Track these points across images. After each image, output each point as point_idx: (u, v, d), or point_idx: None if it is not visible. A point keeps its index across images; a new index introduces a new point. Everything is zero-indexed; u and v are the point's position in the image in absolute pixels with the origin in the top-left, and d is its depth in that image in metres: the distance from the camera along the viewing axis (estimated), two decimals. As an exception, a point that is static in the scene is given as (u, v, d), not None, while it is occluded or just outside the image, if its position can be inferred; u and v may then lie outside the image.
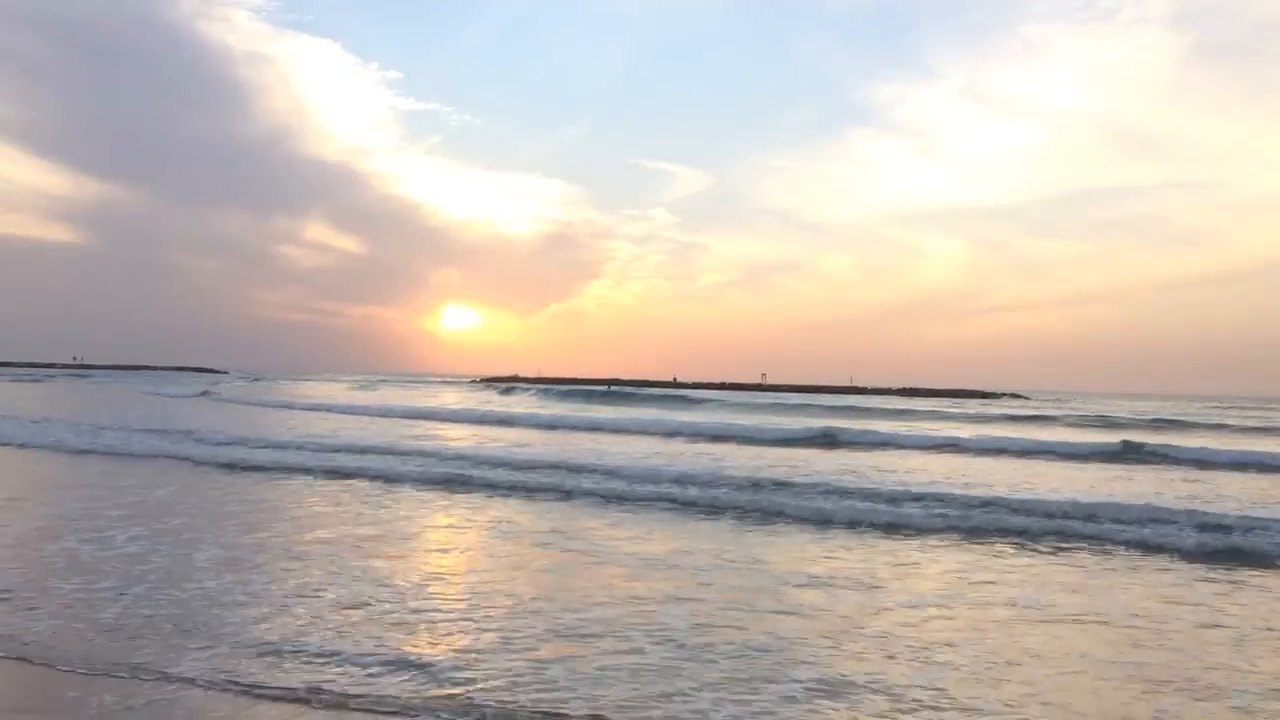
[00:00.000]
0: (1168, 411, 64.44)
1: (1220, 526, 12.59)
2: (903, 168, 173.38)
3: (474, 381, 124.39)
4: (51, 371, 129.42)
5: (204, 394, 60.93)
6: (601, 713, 5.63)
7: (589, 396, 69.08)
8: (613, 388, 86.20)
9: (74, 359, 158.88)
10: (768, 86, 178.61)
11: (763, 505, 14.44)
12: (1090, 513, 13.56)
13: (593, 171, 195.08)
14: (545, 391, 78.20)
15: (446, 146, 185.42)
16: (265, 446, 22.03)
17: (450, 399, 61.10)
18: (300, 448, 21.72)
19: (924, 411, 53.25)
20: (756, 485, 16.18)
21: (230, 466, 18.40)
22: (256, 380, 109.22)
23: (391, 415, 39.66)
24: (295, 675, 6.11)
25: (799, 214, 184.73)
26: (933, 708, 5.87)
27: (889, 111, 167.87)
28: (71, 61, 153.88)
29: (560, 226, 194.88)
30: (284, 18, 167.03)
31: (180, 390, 67.16)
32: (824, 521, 13.29)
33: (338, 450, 21.52)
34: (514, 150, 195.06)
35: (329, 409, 44.41)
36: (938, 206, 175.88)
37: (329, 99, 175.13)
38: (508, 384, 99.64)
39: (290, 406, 47.13)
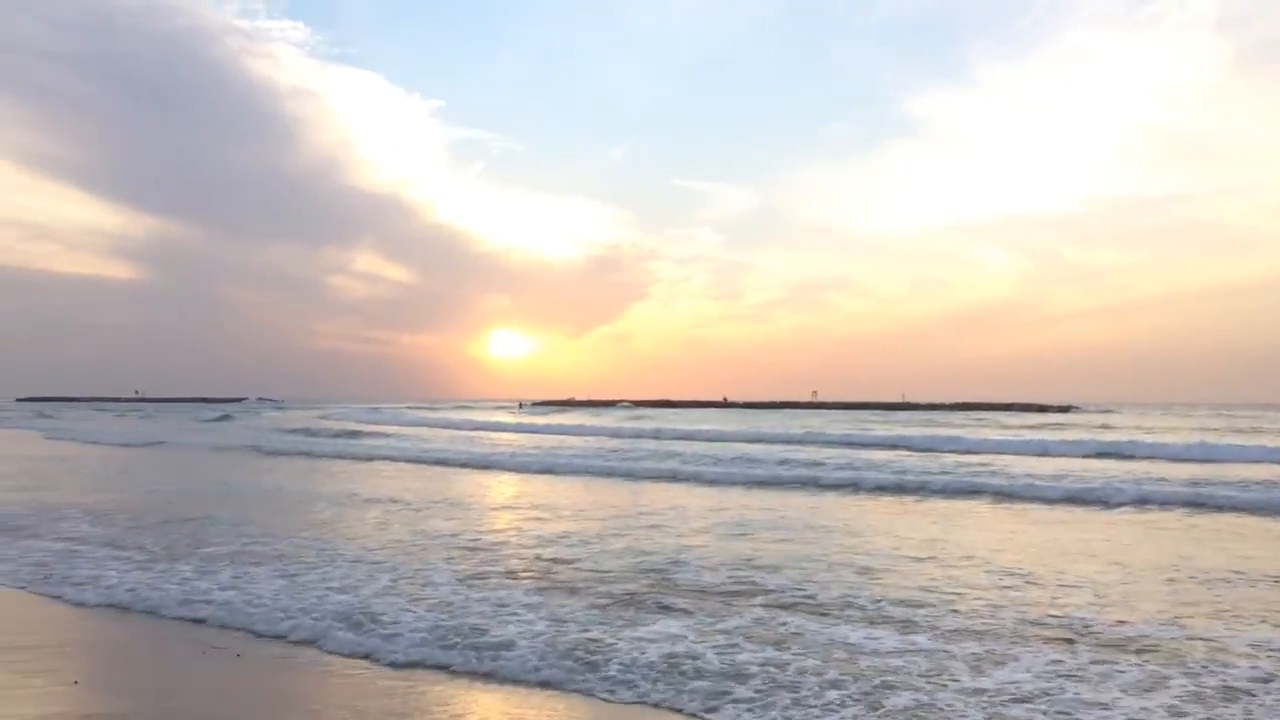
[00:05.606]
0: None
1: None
2: (950, 179, 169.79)
3: (524, 405, 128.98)
4: (119, 406, 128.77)
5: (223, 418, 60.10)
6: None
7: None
8: None
9: (135, 393, 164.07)
10: (809, 101, 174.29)
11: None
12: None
13: (635, 193, 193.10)
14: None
15: (490, 173, 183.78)
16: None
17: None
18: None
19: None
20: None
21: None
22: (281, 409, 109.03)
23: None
24: None
25: (845, 229, 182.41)
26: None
27: (934, 122, 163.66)
28: (121, 100, 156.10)
29: (605, 249, 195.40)
30: (327, 52, 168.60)
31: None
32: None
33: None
34: (557, 174, 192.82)
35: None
36: (987, 218, 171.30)
37: (374, 130, 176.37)
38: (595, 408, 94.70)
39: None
